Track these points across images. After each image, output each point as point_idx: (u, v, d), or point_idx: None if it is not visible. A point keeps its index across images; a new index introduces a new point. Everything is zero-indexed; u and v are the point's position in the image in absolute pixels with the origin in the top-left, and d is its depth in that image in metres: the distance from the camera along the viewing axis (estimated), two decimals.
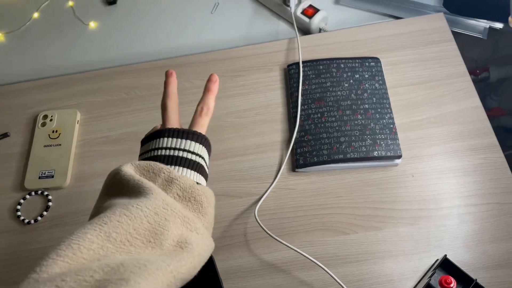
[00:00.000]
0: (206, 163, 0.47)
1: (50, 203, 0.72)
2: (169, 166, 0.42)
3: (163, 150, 0.44)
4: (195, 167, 0.44)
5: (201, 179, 0.45)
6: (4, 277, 0.67)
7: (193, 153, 0.44)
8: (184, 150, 0.44)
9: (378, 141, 0.70)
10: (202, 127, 0.48)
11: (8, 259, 0.69)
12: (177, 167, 0.43)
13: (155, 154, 0.44)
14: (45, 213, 0.71)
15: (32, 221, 0.71)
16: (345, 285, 0.61)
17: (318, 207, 0.68)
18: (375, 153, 0.69)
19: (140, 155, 0.47)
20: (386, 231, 0.65)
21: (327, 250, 0.64)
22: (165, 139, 0.44)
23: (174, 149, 0.44)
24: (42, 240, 0.69)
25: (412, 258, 0.63)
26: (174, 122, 0.48)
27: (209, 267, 0.63)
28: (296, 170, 0.71)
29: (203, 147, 0.46)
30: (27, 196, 0.73)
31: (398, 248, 0.63)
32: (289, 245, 0.62)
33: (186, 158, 0.43)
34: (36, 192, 0.73)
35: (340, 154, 0.69)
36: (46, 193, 0.73)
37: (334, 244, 0.64)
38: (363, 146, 0.69)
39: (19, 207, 0.72)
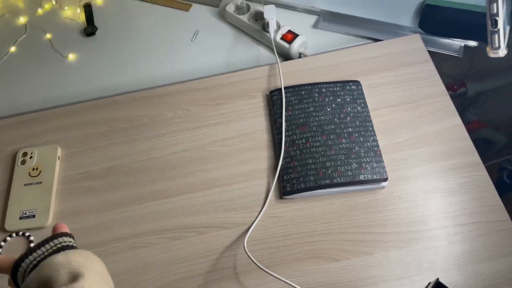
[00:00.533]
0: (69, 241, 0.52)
1: (32, 245, 0.69)
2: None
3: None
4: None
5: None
6: None
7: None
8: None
9: (363, 164, 0.70)
10: None
11: None
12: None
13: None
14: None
15: None
16: None
17: (307, 234, 0.67)
18: (361, 177, 0.69)
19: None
20: (376, 256, 0.64)
21: (319, 279, 0.63)
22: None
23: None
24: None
25: (404, 282, 0.62)
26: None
27: None
28: (284, 197, 0.70)
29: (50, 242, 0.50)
30: (8, 238, 0.70)
31: (390, 272, 0.63)
32: (280, 277, 0.61)
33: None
34: (17, 234, 0.71)
35: (327, 179, 0.69)
36: (27, 234, 0.71)
37: (326, 272, 0.64)
38: (349, 170, 0.69)
39: (0, 250, 0.69)
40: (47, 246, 0.49)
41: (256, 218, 0.69)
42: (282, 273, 0.64)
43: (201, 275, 0.65)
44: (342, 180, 0.69)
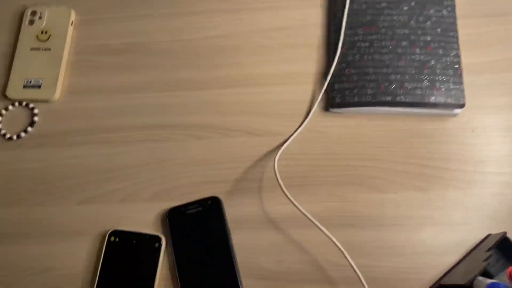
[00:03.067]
0: None
1: (36, 118, 0.61)
2: None
3: None
4: None
5: None
6: None
7: None
8: None
9: (437, 83, 0.56)
10: None
11: None
12: None
13: None
14: (29, 129, 0.61)
15: (15, 137, 0.60)
16: (375, 251, 0.52)
17: (353, 157, 0.56)
18: (432, 99, 0.55)
19: None
20: (431, 194, 0.54)
21: (358, 209, 0.54)
22: None
23: None
24: (26, 160, 0.60)
25: (459, 229, 0.52)
26: None
27: (217, 215, 0.54)
28: (331, 109, 0.58)
29: None
30: (10, 107, 0.62)
31: (444, 215, 0.53)
32: (300, 208, 0.52)
33: None
34: (20, 103, 0.62)
35: (388, 95, 0.56)
36: (31, 105, 0.62)
37: (365, 202, 0.54)
38: (418, 88, 0.56)
39: None
40: None
41: (296, 130, 0.58)
42: (313, 195, 0.55)
43: (220, 183, 0.56)
44: (407, 99, 0.56)
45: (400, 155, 0.56)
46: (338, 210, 0.54)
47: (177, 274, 0.52)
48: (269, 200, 0.55)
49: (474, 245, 0.52)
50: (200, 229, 0.54)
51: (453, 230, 0.52)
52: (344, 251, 0.49)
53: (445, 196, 0.54)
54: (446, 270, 0.51)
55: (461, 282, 0.44)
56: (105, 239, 0.54)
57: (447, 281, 0.49)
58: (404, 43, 0.58)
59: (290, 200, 0.52)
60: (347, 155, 0.56)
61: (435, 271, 0.51)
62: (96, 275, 0.53)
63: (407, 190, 0.54)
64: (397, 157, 0.56)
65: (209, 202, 0.55)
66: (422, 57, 0.57)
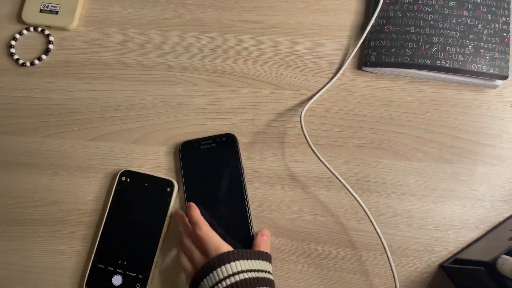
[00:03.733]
0: (265, 271, 0.44)
1: (51, 46, 0.58)
2: None
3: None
4: (251, 284, 0.42)
5: None
6: None
7: (243, 271, 0.42)
8: (232, 274, 0.42)
9: (482, 51, 0.52)
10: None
11: None
12: None
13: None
14: (44, 56, 0.58)
15: (28, 63, 0.58)
16: (392, 219, 0.50)
17: (381, 120, 0.53)
18: (474, 67, 0.52)
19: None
20: (459, 167, 0.51)
21: (380, 175, 0.52)
22: (212, 274, 0.42)
23: (224, 279, 0.42)
24: (38, 89, 0.57)
25: (483, 205, 0.50)
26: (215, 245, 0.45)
27: (232, 153, 0.52)
28: (363, 68, 0.54)
29: (255, 260, 0.44)
30: (24, 32, 0.59)
31: (469, 190, 0.51)
32: (327, 165, 0.50)
33: (236, 282, 0.41)
34: (35, 29, 0.59)
35: (428, 58, 0.52)
36: (47, 32, 0.58)
37: (388, 169, 0.52)
38: (460, 53, 0.52)
39: (13, 42, 0.58)
40: (241, 276, 0.42)
41: (324, 86, 0.54)
42: (335, 156, 0.52)
43: (239, 134, 0.54)
44: (447, 65, 0.52)
45: (430, 124, 0.53)
46: (359, 174, 0.52)
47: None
48: (289, 156, 0.53)
49: (497, 223, 0.50)
50: (212, 165, 0.52)
51: (477, 206, 0.50)
52: (370, 216, 0.48)
53: (473, 171, 0.51)
54: (464, 245, 0.49)
55: (482, 258, 0.43)
56: (115, 178, 0.53)
57: (465, 256, 0.47)
58: (451, 3, 0.53)
59: (318, 158, 0.50)
60: (374, 118, 0.53)
61: (453, 245, 0.49)
62: (105, 213, 0.52)
63: (433, 161, 0.52)
64: (427, 125, 0.53)
65: (224, 138, 0.53)
66: (469, 20, 0.53)
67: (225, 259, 0.42)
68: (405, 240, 0.50)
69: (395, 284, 0.46)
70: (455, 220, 0.50)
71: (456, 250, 0.49)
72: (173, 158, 0.54)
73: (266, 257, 0.46)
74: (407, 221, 0.50)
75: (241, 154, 0.53)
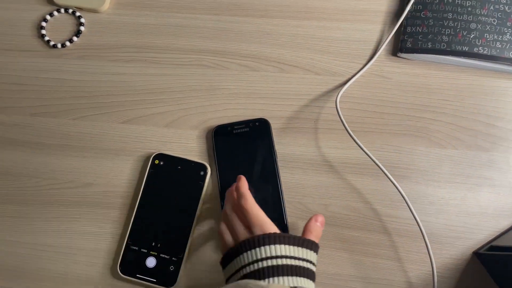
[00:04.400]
0: (308, 261, 0.42)
1: (82, 28, 0.58)
2: (254, 280, 0.39)
3: (253, 265, 0.41)
4: (292, 271, 0.40)
5: (305, 281, 0.41)
6: (26, 104, 0.57)
7: (286, 257, 0.41)
8: (275, 257, 0.41)
9: None
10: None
11: (28, 84, 0.57)
12: (268, 279, 0.40)
13: (247, 271, 0.41)
14: (75, 38, 0.57)
15: (59, 45, 0.57)
16: (426, 206, 0.50)
17: (415, 107, 0.53)
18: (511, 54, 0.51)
19: (228, 278, 0.43)
20: (494, 155, 0.51)
21: (415, 162, 0.52)
22: (254, 251, 0.41)
23: (265, 259, 0.41)
24: (69, 72, 0.57)
25: None
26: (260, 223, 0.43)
27: (264, 138, 0.52)
28: (399, 54, 0.54)
29: (299, 247, 0.42)
30: (55, 13, 0.58)
31: (504, 178, 0.51)
32: (365, 149, 0.50)
33: (277, 266, 0.40)
34: (66, 10, 0.58)
35: (465, 45, 0.52)
36: (78, 14, 0.58)
37: (424, 156, 0.52)
38: (498, 41, 0.52)
39: (44, 24, 0.58)
40: (283, 261, 0.40)
41: (358, 72, 0.54)
42: (369, 143, 0.52)
43: (272, 119, 0.53)
44: (485, 52, 0.51)
45: (466, 111, 0.52)
46: (393, 161, 0.52)
47: (220, 195, 0.51)
48: (322, 142, 0.53)
49: None
50: (245, 150, 0.52)
51: (511, 194, 0.50)
52: (409, 202, 0.48)
53: (508, 159, 0.51)
54: (498, 233, 0.49)
55: None
56: (148, 161, 0.53)
57: (500, 243, 0.47)
58: None
59: (356, 142, 0.50)
60: (409, 105, 0.53)
61: (487, 233, 0.49)
62: (138, 196, 0.52)
63: (468, 148, 0.51)
64: (463, 113, 0.52)
65: (257, 123, 0.53)
66: (506, 7, 0.52)
67: (271, 239, 0.41)
68: (439, 227, 0.50)
69: (433, 271, 0.46)
70: (489, 208, 0.50)
71: (491, 238, 0.49)
72: (206, 142, 0.54)
73: (312, 246, 0.43)
74: (441, 208, 0.50)
75: (274, 139, 0.53)
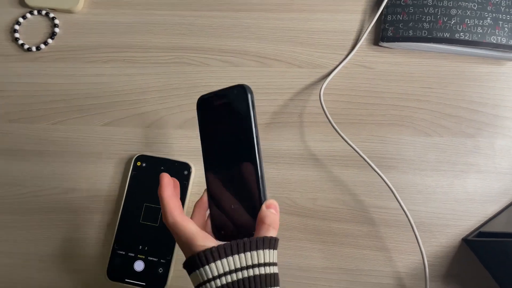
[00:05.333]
0: (267, 265, 0.35)
1: (56, 29, 0.56)
2: None
3: (216, 281, 0.34)
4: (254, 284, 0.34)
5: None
6: (2, 110, 0.55)
7: (222, 275, 0.34)
8: (212, 278, 0.34)
9: (500, 22, 0.51)
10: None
11: (3, 90, 0.55)
12: None
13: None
14: (50, 40, 0.56)
15: (34, 48, 0.56)
16: (414, 195, 0.50)
17: (399, 96, 0.53)
18: (493, 39, 0.51)
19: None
20: (479, 141, 0.51)
21: (401, 151, 0.51)
22: (197, 272, 0.34)
23: (211, 279, 0.34)
24: (45, 75, 0.56)
25: (504, 178, 0.50)
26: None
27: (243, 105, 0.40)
28: (380, 43, 0.53)
29: (260, 250, 0.35)
30: (28, 15, 0.57)
31: (490, 163, 0.51)
32: (349, 142, 0.49)
33: (238, 280, 0.34)
34: (39, 12, 0.57)
35: (446, 31, 0.51)
36: (52, 15, 0.56)
37: (410, 145, 0.51)
38: (479, 26, 0.51)
39: (17, 27, 0.56)
40: (233, 277, 0.33)
41: (340, 63, 0.53)
42: (354, 134, 0.52)
43: (258, 114, 0.52)
44: (466, 37, 0.51)
45: (449, 98, 0.52)
46: (379, 151, 0.51)
47: (205, 174, 0.42)
48: (308, 136, 0.52)
49: None
50: (225, 121, 0.41)
51: (498, 179, 0.50)
52: (395, 192, 0.47)
53: (493, 144, 0.51)
54: (487, 219, 0.49)
55: (508, 230, 0.43)
56: (131, 163, 0.52)
57: (488, 229, 0.48)
58: None
59: (340, 135, 0.49)
60: (393, 94, 0.53)
61: (475, 219, 0.49)
62: (122, 199, 0.51)
63: (454, 135, 0.51)
64: (447, 100, 0.52)
65: (235, 91, 0.41)
66: None
67: (208, 257, 0.34)
68: (428, 216, 0.50)
69: (423, 260, 0.46)
70: (476, 194, 0.50)
71: (479, 224, 0.49)
72: (191, 141, 0.53)
73: (265, 244, 0.35)
74: (429, 196, 0.50)
75: (255, 106, 0.41)
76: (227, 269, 0.34)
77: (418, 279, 0.48)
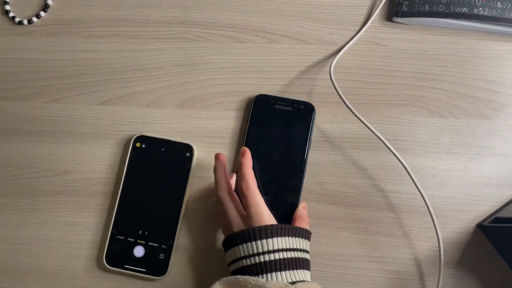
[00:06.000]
0: (305, 251, 0.42)
1: (49, 1, 0.52)
2: (255, 277, 0.38)
3: (251, 259, 0.39)
4: (290, 264, 0.40)
5: (302, 273, 0.40)
6: None
7: (283, 250, 0.40)
8: (272, 251, 0.39)
9: None
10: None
11: None
12: (267, 274, 0.39)
13: (245, 264, 0.40)
14: (42, 13, 0.52)
15: (26, 22, 0.52)
16: (427, 179, 0.48)
17: (413, 75, 0.50)
18: None
19: (229, 264, 0.42)
20: (496, 123, 0.49)
21: (413, 133, 0.49)
22: (250, 244, 0.40)
23: (263, 253, 0.39)
24: (39, 50, 0.52)
25: None
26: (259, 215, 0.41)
27: (304, 123, 0.49)
28: (394, 19, 0.51)
29: (296, 238, 0.41)
30: None
31: (507, 146, 0.48)
32: (364, 120, 0.47)
33: (276, 260, 0.39)
34: None
35: (464, 6, 0.49)
36: None
37: (423, 126, 0.49)
38: (499, 0, 0.48)
39: None
40: (281, 255, 0.39)
41: (351, 39, 0.51)
42: (365, 115, 0.49)
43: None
44: (485, 13, 0.48)
45: (466, 77, 0.50)
46: (391, 133, 0.49)
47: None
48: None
49: None
50: (280, 127, 0.49)
51: None
52: (413, 176, 0.45)
53: (510, 126, 0.49)
54: (503, 204, 0.47)
55: None
56: (129, 144, 0.49)
57: (504, 214, 0.45)
58: None
59: (356, 115, 0.46)
60: (406, 73, 0.50)
61: (490, 204, 0.47)
62: (120, 182, 0.48)
63: (469, 117, 0.49)
64: (463, 79, 0.50)
65: (302, 106, 0.49)
66: None
67: (268, 232, 0.39)
68: (441, 201, 0.48)
69: (439, 246, 0.44)
70: (492, 178, 0.48)
71: (494, 209, 0.47)
72: (193, 121, 0.50)
73: (306, 235, 0.43)
74: (442, 180, 0.48)
75: (314, 129, 0.49)
76: (284, 246, 0.40)
77: (430, 266, 0.47)
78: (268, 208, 0.42)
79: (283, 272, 0.39)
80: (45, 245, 0.49)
